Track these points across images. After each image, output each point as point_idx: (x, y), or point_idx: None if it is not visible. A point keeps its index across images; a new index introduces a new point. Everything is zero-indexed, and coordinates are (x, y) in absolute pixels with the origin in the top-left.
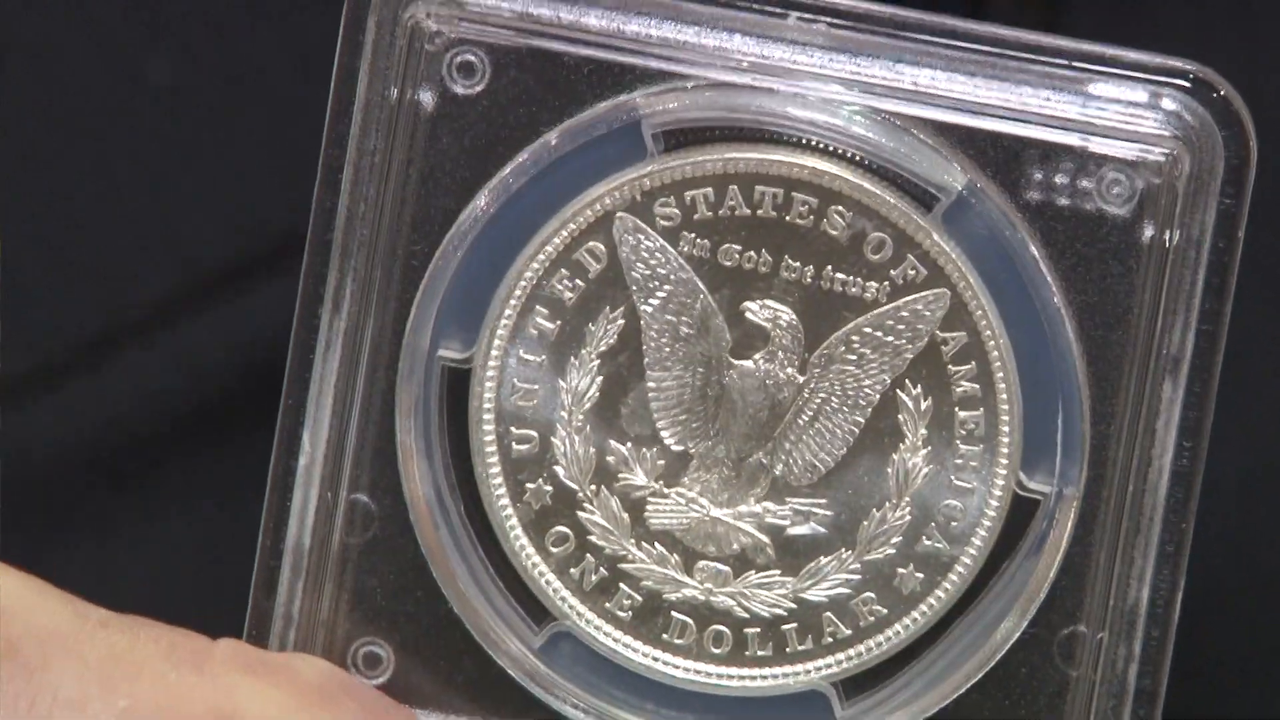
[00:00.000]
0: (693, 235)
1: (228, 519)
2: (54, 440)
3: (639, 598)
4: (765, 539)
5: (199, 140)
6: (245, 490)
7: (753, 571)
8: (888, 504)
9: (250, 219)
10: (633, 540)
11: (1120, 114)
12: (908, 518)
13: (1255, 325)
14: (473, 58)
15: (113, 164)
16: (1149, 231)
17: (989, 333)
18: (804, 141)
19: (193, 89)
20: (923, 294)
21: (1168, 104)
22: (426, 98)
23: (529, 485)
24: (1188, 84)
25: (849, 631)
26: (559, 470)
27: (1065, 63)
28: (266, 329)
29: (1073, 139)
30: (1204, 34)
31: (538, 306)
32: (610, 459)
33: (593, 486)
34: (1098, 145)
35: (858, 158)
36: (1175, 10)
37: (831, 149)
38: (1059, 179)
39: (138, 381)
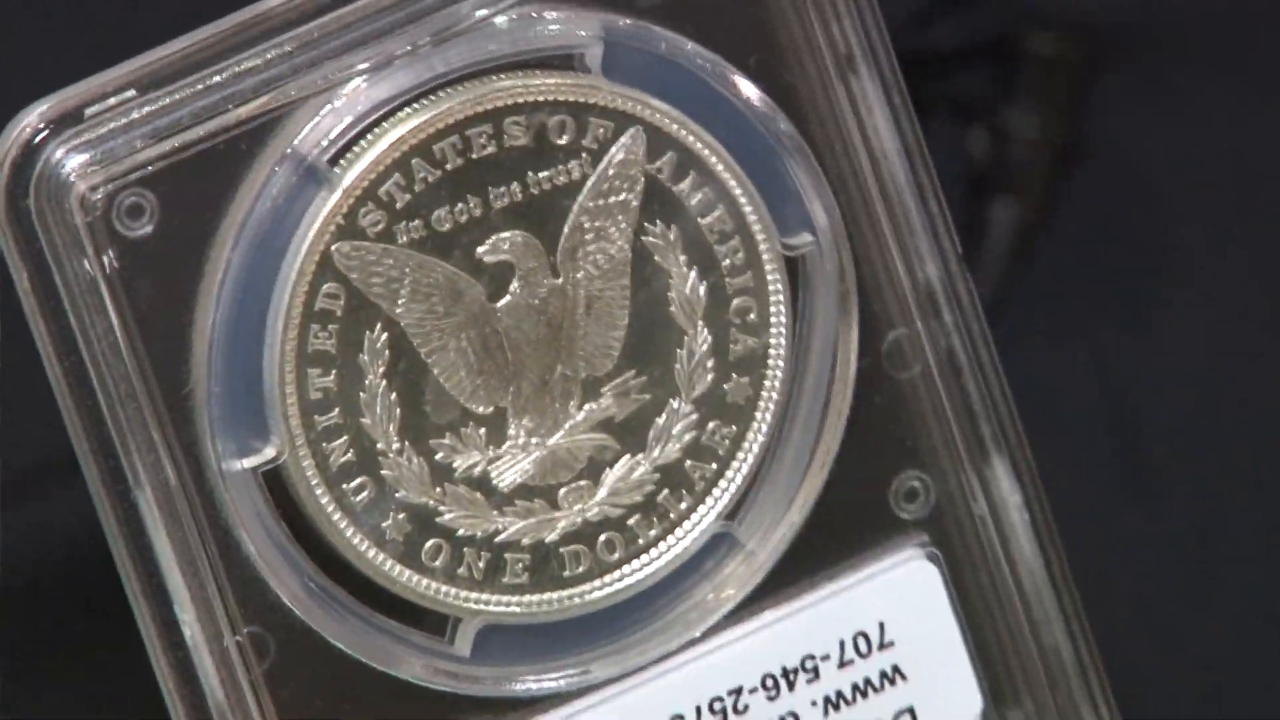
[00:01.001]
0: (404, 223)
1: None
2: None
3: (527, 556)
4: (603, 435)
5: None
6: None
7: (608, 469)
8: (686, 337)
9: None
10: (495, 511)
11: None
12: (709, 338)
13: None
14: (135, 198)
15: None
16: None
17: (691, 137)
18: (448, 84)
19: None
20: (619, 142)
21: None
22: (114, 255)
23: (384, 524)
24: None
25: (714, 467)
26: (402, 495)
27: None
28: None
29: None
30: None
31: (309, 370)
32: (439, 456)
33: (438, 490)
34: None
35: (503, 66)
36: None
37: (475, 74)
38: None
39: None
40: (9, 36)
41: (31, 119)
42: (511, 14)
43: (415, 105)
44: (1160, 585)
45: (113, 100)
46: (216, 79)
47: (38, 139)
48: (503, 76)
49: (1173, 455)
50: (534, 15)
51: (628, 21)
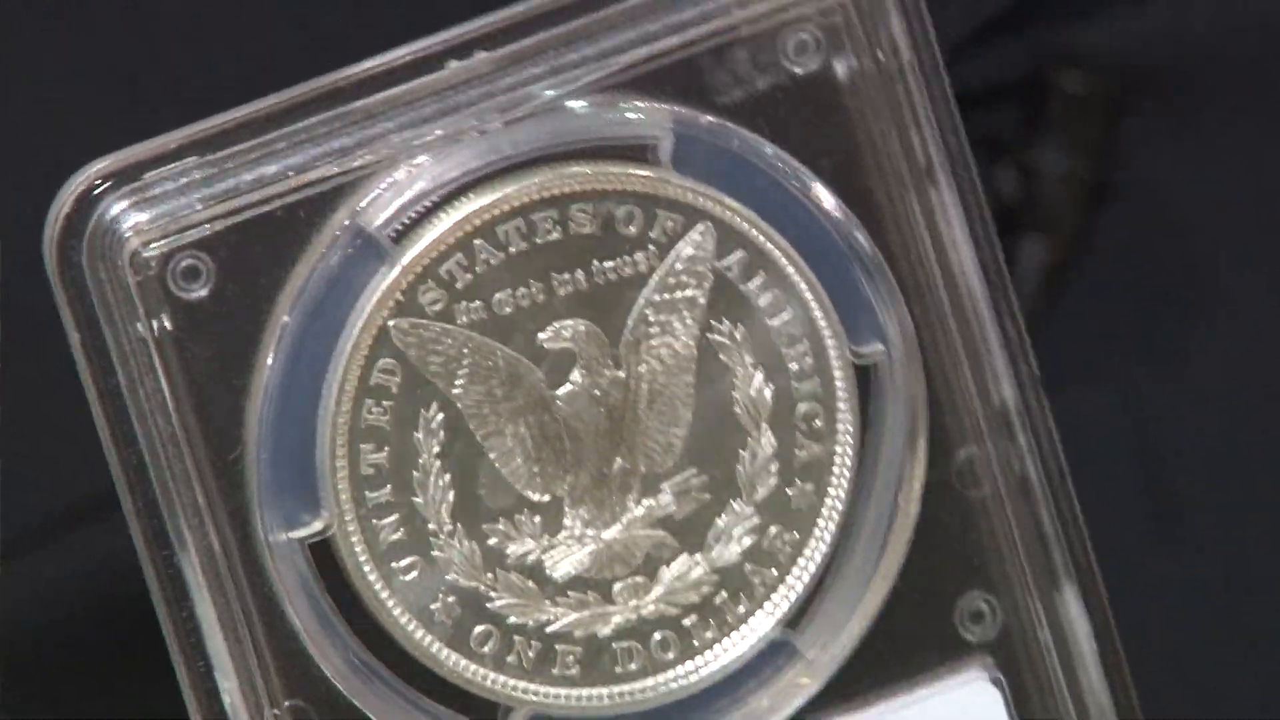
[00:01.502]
0: (464, 304)
1: None
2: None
3: (579, 649)
4: (661, 532)
5: None
6: None
7: (665, 567)
8: (750, 439)
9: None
10: (547, 601)
11: None
12: (774, 442)
13: None
14: (192, 260)
15: None
16: (848, 69)
17: (761, 237)
18: (516, 166)
19: None
20: (687, 237)
21: None
22: (167, 316)
23: (433, 606)
24: None
25: (774, 572)
26: (453, 578)
27: None
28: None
29: (735, 26)
30: None
31: (361, 445)
32: (493, 541)
33: (489, 575)
34: (761, 19)
35: (572, 152)
36: None
37: (544, 158)
38: (743, 69)
39: None
40: (73, 96)
41: (89, 174)
42: (585, 99)
43: (481, 185)
44: (1190, 631)
45: (174, 162)
46: (280, 145)
47: (94, 194)
48: (572, 163)
49: (1204, 495)
50: (608, 102)
51: (704, 117)
